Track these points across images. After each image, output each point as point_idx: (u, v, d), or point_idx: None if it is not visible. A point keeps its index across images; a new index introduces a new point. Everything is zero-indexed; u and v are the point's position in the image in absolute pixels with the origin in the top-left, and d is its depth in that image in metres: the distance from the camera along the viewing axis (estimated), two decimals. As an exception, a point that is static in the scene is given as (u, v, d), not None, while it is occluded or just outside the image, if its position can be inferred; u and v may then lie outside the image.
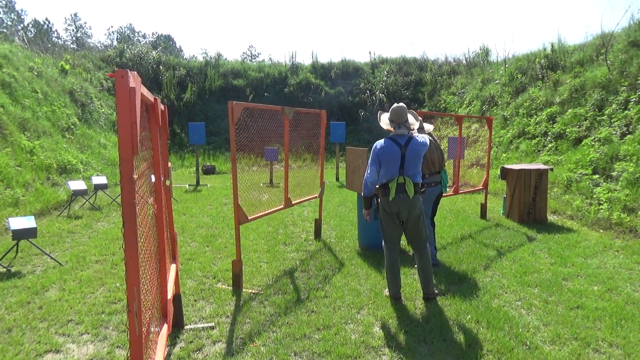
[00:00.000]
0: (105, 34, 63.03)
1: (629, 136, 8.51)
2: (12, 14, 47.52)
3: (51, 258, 5.59)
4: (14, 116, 10.36)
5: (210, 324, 3.85)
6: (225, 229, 7.39)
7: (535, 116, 11.99)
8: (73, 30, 52.40)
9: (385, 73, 21.81)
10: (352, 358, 3.33)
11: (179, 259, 4.70)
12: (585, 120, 10.02)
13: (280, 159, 14.46)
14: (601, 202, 7.64)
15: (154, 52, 22.28)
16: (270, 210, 5.65)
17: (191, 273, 5.19)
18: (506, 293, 4.57)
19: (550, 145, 10.55)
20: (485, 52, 19.68)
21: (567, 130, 10.30)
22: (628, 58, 10.16)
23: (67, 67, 15.98)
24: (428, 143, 4.28)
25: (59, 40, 42.00)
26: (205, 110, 20.12)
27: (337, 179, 13.78)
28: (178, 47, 52.90)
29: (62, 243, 6.49)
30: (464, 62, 20.65)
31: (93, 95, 16.11)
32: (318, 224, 6.85)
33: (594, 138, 9.24)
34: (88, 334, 3.71)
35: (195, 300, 4.39)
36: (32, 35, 37.52)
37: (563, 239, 6.61)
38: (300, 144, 14.40)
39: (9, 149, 9.20)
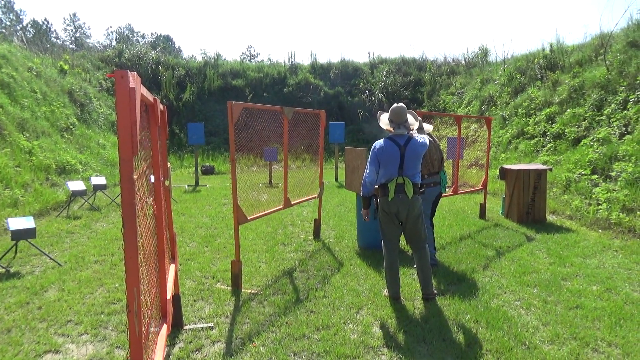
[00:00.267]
0: (104, 34, 62.97)
1: (627, 136, 8.53)
2: (11, 14, 47.48)
3: (50, 258, 5.59)
4: (13, 116, 10.36)
5: (209, 324, 3.85)
6: (224, 229, 7.39)
7: (534, 116, 12.01)
8: (72, 30, 52.37)
9: (385, 73, 21.82)
10: (352, 358, 3.34)
11: (178, 259, 4.70)
12: (584, 121, 10.04)
13: (280, 159, 14.45)
14: (600, 202, 7.65)
15: (153, 53, 22.27)
16: (269, 211, 5.65)
17: (190, 273, 5.19)
18: (505, 293, 4.57)
19: (549, 146, 10.57)
20: (484, 53, 19.71)
21: (566, 130, 10.31)
22: (627, 58, 10.18)
23: (66, 67, 15.97)
24: (428, 143, 4.28)
25: (58, 41, 41.96)
26: (204, 110, 20.11)
27: (336, 179, 13.79)
28: (177, 47, 52.92)
29: (61, 243, 6.48)
30: (463, 62, 20.66)
31: (92, 96, 16.09)
32: (317, 224, 6.85)
33: (593, 138, 9.25)
34: (87, 334, 3.71)
35: (195, 301, 4.39)
36: (31, 35, 37.48)
37: (562, 239, 6.62)
38: (300, 144, 14.39)
39: (8, 149, 9.19)
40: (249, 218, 4.92)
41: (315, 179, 7.47)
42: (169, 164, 6.72)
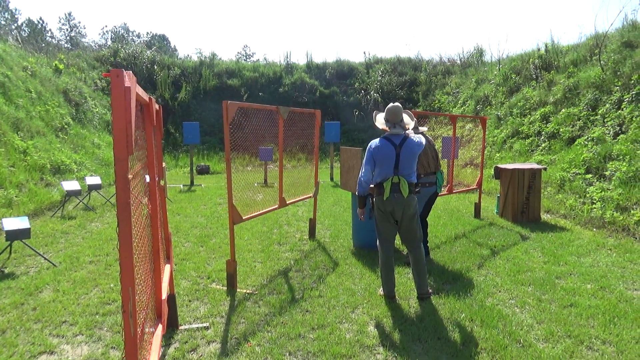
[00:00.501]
0: (100, 34, 62.76)
1: (622, 136, 8.58)
2: (6, 13, 47.22)
3: (45, 259, 5.56)
4: (8, 116, 10.30)
5: (204, 324, 3.85)
6: (219, 229, 7.38)
7: (529, 116, 12.06)
8: (67, 29, 52.15)
9: (380, 73, 21.84)
10: (347, 357, 3.34)
11: (173, 259, 4.69)
12: (579, 120, 10.09)
13: (275, 159, 14.45)
14: (594, 201, 7.69)
15: (148, 52, 22.19)
16: (264, 210, 5.64)
17: (185, 273, 5.18)
18: (500, 291, 4.59)
19: (543, 145, 10.61)
20: (480, 52, 19.78)
21: (561, 130, 10.36)
22: (621, 58, 10.24)
23: (61, 66, 15.90)
24: (423, 143, 4.30)
25: (53, 40, 41.70)
26: (200, 110, 20.07)
27: (332, 179, 13.79)
28: (172, 46, 52.78)
29: (55, 244, 6.46)
30: (459, 62, 20.72)
31: (87, 95, 16.03)
32: (312, 224, 6.85)
33: (587, 138, 9.31)
34: (82, 335, 3.70)
35: (190, 301, 4.39)
36: (26, 34, 37.29)
37: (556, 237, 6.65)
38: (295, 143, 14.41)
39: (2, 149, 9.14)
40: (244, 218, 4.92)
41: (311, 178, 7.47)
42: (164, 164, 6.71)
